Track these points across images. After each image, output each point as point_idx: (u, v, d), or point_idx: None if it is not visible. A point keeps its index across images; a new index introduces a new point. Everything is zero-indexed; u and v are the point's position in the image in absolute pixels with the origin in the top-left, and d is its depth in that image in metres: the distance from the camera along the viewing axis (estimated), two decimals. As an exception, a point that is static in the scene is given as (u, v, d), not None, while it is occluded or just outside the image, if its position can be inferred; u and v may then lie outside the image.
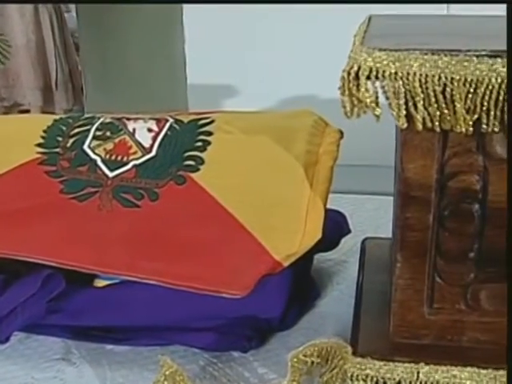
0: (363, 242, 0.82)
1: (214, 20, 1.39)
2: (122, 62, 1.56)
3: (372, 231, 0.91)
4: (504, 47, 0.52)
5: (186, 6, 1.41)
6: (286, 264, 0.66)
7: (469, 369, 0.59)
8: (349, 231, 0.83)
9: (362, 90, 0.52)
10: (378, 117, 0.53)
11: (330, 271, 0.85)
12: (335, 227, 0.79)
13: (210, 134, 0.72)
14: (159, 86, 1.54)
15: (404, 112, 0.52)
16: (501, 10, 0.66)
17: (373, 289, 0.70)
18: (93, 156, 0.72)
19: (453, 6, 1.29)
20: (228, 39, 1.39)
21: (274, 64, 1.41)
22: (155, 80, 1.54)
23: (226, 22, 1.39)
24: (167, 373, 0.62)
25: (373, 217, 1.00)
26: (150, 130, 0.73)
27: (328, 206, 0.82)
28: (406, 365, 0.60)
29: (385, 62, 0.52)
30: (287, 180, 0.68)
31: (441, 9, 1.27)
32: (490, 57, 0.51)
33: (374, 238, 0.81)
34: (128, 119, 0.75)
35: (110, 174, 0.71)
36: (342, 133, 0.73)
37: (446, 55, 0.51)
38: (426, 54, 0.51)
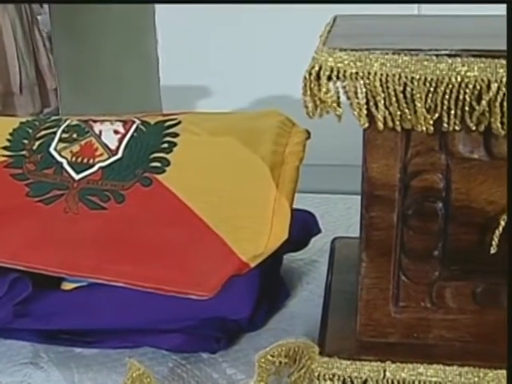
0: (333, 241, 0.82)
1: (186, 21, 1.39)
2: (96, 64, 1.56)
3: (343, 231, 0.92)
4: (466, 46, 0.52)
5: (158, 8, 1.40)
6: (252, 265, 0.66)
7: (434, 366, 0.60)
8: (319, 231, 0.83)
9: (324, 90, 0.52)
10: (339, 117, 0.53)
11: (300, 271, 0.85)
12: (304, 227, 0.80)
13: (176, 135, 0.72)
14: (133, 87, 1.53)
15: (365, 112, 0.52)
16: (500, 10, 0.67)
17: (341, 288, 0.70)
18: (59, 158, 0.72)
19: (424, 6, 1.29)
20: (201, 40, 1.39)
21: (247, 64, 1.41)
22: (129, 81, 1.53)
23: (198, 23, 1.38)
24: (134, 375, 0.61)
25: (345, 216, 1.00)
26: (116, 132, 0.73)
27: (300, 206, 0.82)
28: (373, 363, 0.60)
29: (346, 62, 0.52)
30: (253, 181, 0.68)
31: (411, 9, 1.27)
32: (450, 56, 0.51)
33: (343, 238, 0.81)
34: (94, 121, 0.75)
35: (76, 177, 0.71)
36: (308, 133, 0.73)
37: (406, 55, 0.51)
38: (386, 53, 0.52)
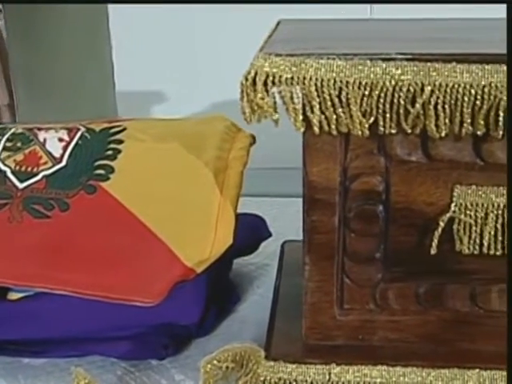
0: (283, 245, 0.82)
1: (140, 26, 1.38)
2: (52, 71, 1.55)
3: (295, 234, 0.92)
4: (401, 50, 0.52)
5: (111, 13, 1.40)
6: (198, 270, 0.66)
7: (379, 367, 0.60)
8: (269, 235, 0.83)
9: (259, 95, 0.52)
10: (276, 122, 0.53)
11: (251, 275, 0.85)
12: (254, 232, 0.80)
13: (120, 142, 0.72)
14: (89, 93, 1.53)
15: (301, 117, 0.52)
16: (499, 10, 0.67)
17: (289, 292, 0.71)
18: (2, 167, 0.71)
19: (376, 9, 1.30)
20: (155, 45, 1.39)
21: (203, 69, 1.41)
22: (85, 88, 1.53)
23: (152, 28, 1.38)
24: (80, 384, 0.61)
25: (296, 219, 1.00)
26: (60, 140, 0.72)
27: (252, 210, 0.82)
28: (318, 366, 0.60)
29: (281, 68, 0.52)
30: (197, 186, 0.68)
31: (364, 13, 1.28)
32: (384, 60, 0.52)
33: (293, 241, 0.81)
34: (39, 129, 0.75)
35: (20, 186, 0.70)
36: (253, 138, 0.73)
37: (340, 59, 0.52)
38: (321, 58, 0.52)
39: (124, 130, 0.73)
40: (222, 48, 1.38)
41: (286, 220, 0.99)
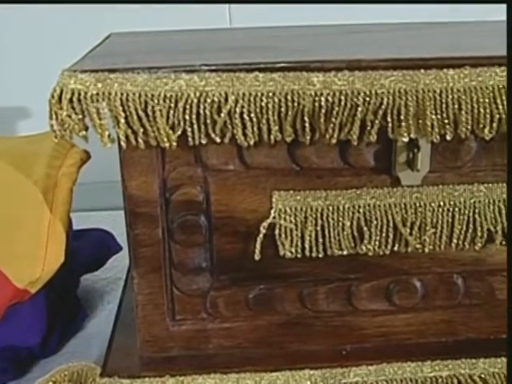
0: (131, 258, 0.82)
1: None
2: None
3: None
4: (204, 61, 0.53)
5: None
6: (33, 291, 0.65)
7: (212, 375, 0.61)
8: (119, 248, 0.82)
9: (65, 113, 0.52)
10: (85, 139, 0.53)
11: (103, 290, 0.84)
12: (100, 247, 0.79)
13: (-50, 162, 0.70)
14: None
15: (107, 132, 0.52)
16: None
17: (131, 306, 0.70)
18: None
19: (236, 19, 1.31)
20: (16, 60, 1.36)
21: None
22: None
23: (12, 42, 1.35)
24: None
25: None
26: None
27: (105, 225, 0.81)
28: (152, 379, 0.61)
29: (87, 84, 0.52)
30: (26, 206, 0.66)
31: (224, 22, 1.29)
32: (188, 72, 0.52)
33: (142, 254, 0.81)
34: None
35: None
36: (87, 153, 0.72)
37: (145, 73, 0.52)
38: (126, 73, 0.52)
39: (-46, 149, 0.71)
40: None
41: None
